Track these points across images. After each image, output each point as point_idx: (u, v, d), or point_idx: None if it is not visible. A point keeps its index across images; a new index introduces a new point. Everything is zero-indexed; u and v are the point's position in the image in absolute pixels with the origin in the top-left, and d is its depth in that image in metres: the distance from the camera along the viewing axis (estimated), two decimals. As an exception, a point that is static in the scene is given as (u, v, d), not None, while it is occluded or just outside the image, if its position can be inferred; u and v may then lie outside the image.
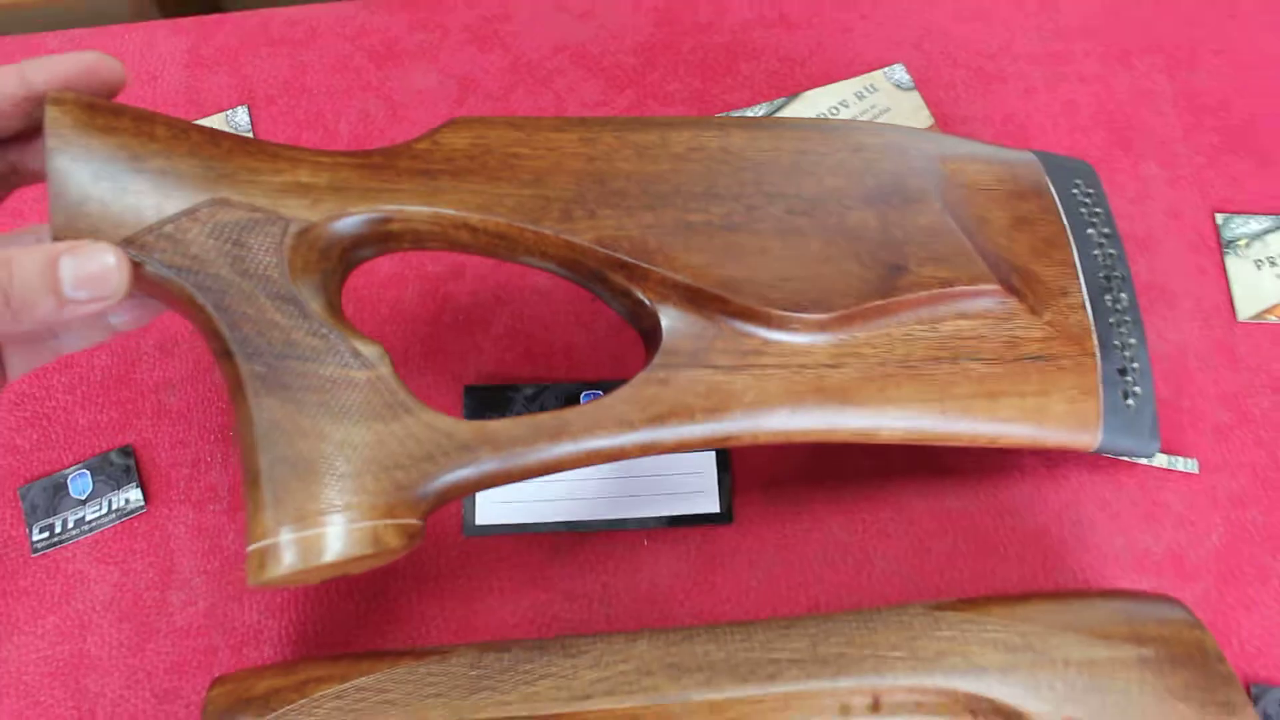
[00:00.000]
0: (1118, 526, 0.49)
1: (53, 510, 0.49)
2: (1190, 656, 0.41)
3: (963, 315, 0.45)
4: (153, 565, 0.48)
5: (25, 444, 0.51)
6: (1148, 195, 0.56)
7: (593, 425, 0.40)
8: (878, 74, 0.58)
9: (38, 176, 0.38)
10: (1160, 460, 0.50)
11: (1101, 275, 0.48)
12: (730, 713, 0.40)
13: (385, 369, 0.38)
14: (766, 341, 0.42)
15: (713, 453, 0.50)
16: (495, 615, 0.47)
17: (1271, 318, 0.53)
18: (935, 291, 0.44)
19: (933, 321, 0.44)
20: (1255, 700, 0.45)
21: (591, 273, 0.42)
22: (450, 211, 0.40)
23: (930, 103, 0.58)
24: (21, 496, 0.50)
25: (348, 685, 0.40)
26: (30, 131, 0.37)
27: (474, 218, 0.40)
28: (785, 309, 0.42)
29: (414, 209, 0.39)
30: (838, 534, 0.49)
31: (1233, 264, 0.54)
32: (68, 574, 0.48)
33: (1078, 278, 0.48)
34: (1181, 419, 0.51)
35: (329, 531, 0.36)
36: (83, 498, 0.50)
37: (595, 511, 0.49)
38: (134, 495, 0.50)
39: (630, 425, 0.40)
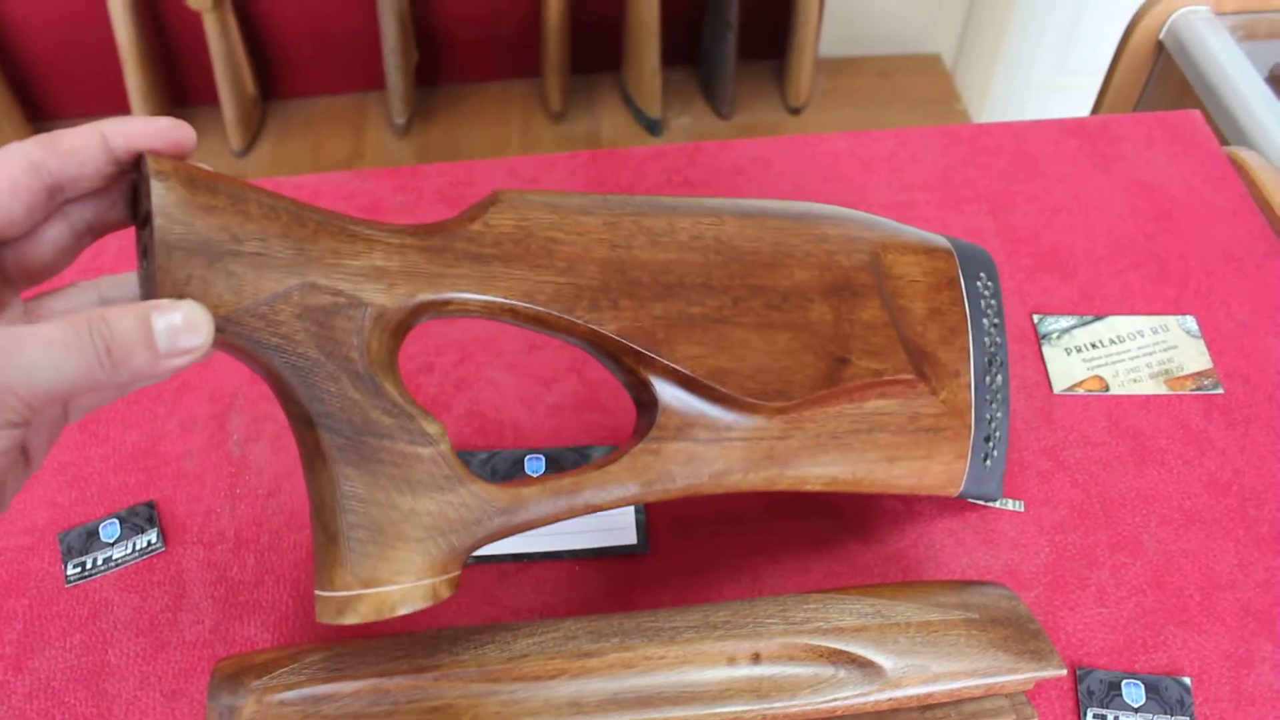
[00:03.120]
0: (963, 550, 0.60)
1: (85, 551, 0.60)
2: (1007, 618, 0.52)
3: (882, 396, 0.53)
4: (168, 593, 0.58)
5: (65, 501, 0.62)
6: (979, 303, 0.70)
7: (599, 488, 0.47)
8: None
9: (111, 228, 0.41)
10: (993, 502, 0.61)
11: (986, 359, 0.56)
12: (638, 666, 0.49)
13: (445, 445, 0.43)
14: (737, 420, 0.49)
15: (632, 496, 0.61)
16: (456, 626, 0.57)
17: (1080, 390, 0.66)
18: (868, 381, 0.52)
19: (860, 401, 0.52)
20: (1080, 680, 0.55)
21: (608, 354, 0.48)
22: (499, 300, 0.44)
23: (806, 236, 0.73)
24: (60, 540, 0.60)
25: (331, 651, 0.50)
26: (106, 188, 0.39)
27: (519, 305, 0.44)
28: (757, 398, 0.49)
29: (470, 296, 0.43)
30: (735, 560, 0.59)
31: (1048, 351, 0.68)
32: (95, 601, 0.58)
33: (969, 361, 0.56)
34: (1012, 468, 0.63)
35: (398, 589, 0.42)
36: (111, 541, 0.60)
37: (536, 544, 0.59)
38: (154, 538, 0.60)
39: (625, 487, 0.47)
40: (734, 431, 0.49)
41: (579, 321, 0.46)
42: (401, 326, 0.42)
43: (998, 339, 0.57)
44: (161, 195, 0.36)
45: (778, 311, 0.50)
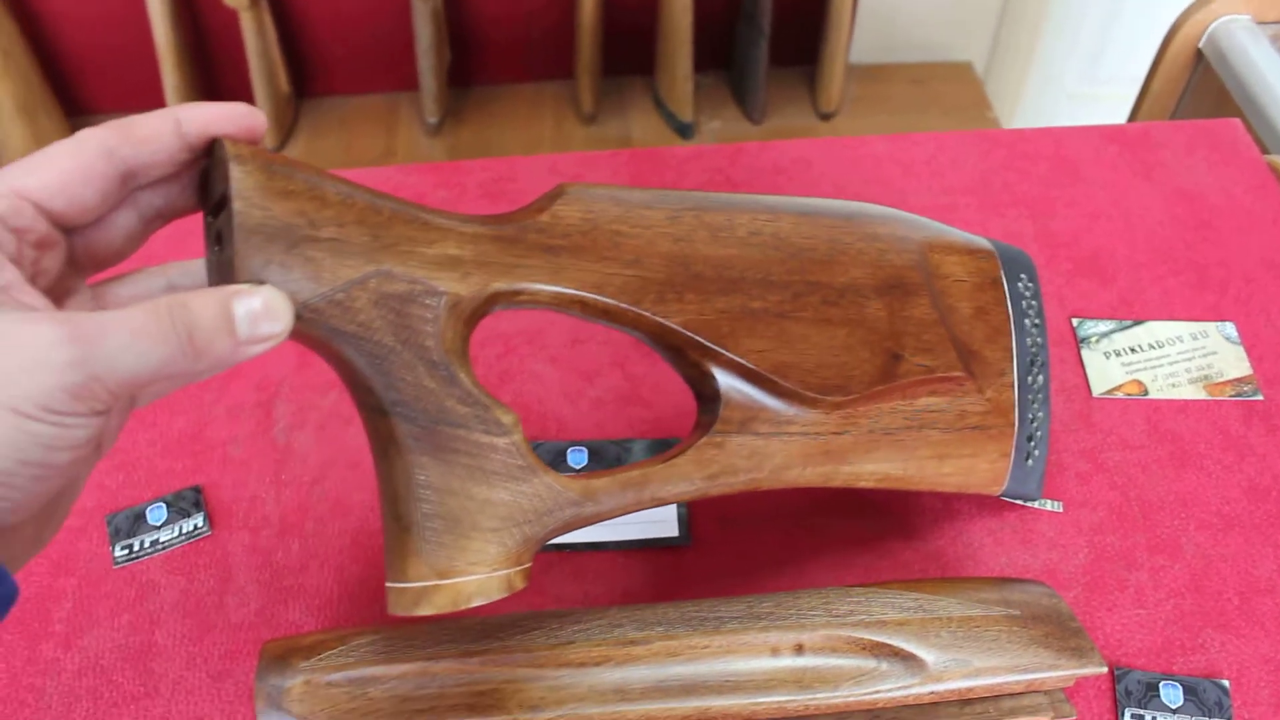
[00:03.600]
0: (1001, 549, 0.60)
1: (133, 533, 0.60)
2: (1048, 615, 0.52)
3: (933, 393, 0.53)
4: (214, 576, 0.59)
5: (113, 484, 0.63)
6: (1019, 305, 0.70)
7: (664, 481, 0.47)
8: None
9: (180, 214, 0.40)
10: (1033, 502, 0.62)
11: (1029, 360, 0.57)
12: (683, 655, 0.50)
13: (519, 435, 0.43)
14: (797, 414, 0.49)
15: (673, 489, 0.62)
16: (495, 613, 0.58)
17: (1119, 394, 0.66)
18: (921, 377, 0.52)
19: (911, 399, 0.52)
20: (1118, 680, 0.55)
21: (672, 347, 0.48)
22: (570, 291, 0.44)
23: (846, 237, 0.74)
24: (108, 522, 0.61)
25: (379, 635, 0.50)
26: (177, 174, 0.39)
27: (589, 297, 0.44)
28: (818, 393, 0.49)
29: (541, 287, 0.43)
30: (777, 554, 0.60)
31: (1087, 355, 0.68)
32: (142, 582, 0.59)
33: (1012, 361, 0.56)
34: (1050, 470, 0.63)
35: (475, 580, 0.41)
36: (158, 524, 0.61)
37: (580, 535, 0.60)
38: (200, 522, 0.61)
39: (691, 481, 0.47)
40: (794, 426, 0.49)
41: (646, 314, 0.46)
42: (475, 315, 0.42)
43: (1039, 339, 0.58)
44: (240, 179, 0.36)
45: (835, 307, 0.50)
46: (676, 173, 0.78)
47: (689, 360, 0.48)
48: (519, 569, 0.43)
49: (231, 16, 1.49)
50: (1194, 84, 0.95)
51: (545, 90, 1.69)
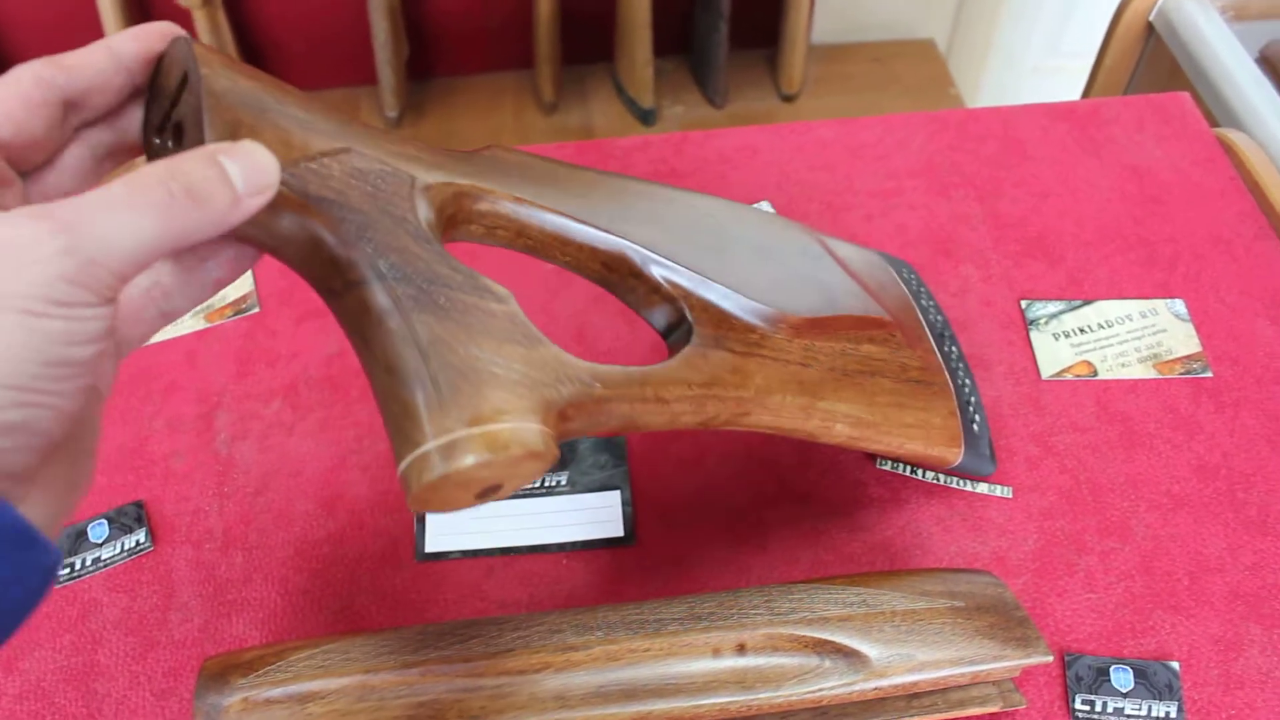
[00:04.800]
0: (950, 537, 0.60)
1: (74, 551, 0.60)
2: (993, 606, 0.52)
3: (872, 340, 0.56)
4: (156, 592, 0.58)
5: (54, 502, 0.62)
6: (967, 289, 0.70)
7: (663, 382, 0.45)
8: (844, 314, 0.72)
9: (133, 152, 0.39)
10: (982, 487, 0.61)
11: (938, 332, 0.61)
12: (623, 659, 0.49)
13: (516, 306, 0.40)
14: (764, 336, 0.50)
15: (618, 489, 0.61)
16: (440, 620, 0.57)
17: (1068, 375, 0.66)
18: (859, 315, 0.56)
19: (856, 342, 0.54)
20: (1068, 666, 0.55)
21: (630, 270, 0.48)
22: (533, 198, 0.44)
23: (792, 225, 0.73)
24: (49, 542, 0.60)
25: (317, 649, 0.50)
26: (126, 103, 0.38)
27: (548, 210, 0.45)
28: (776, 306, 0.51)
29: (502, 193, 0.43)
30: (721, 551, 0.59)
31: (1035, 336, 0.67)
32: (84, 601, 0.58)
33: (925, 329, 0.61)
34: (1000, 455, 0.63)
35: (508, 427, 0.37)
36: (100, 541, 0.60)
37: (523, 538, 0.60)
38: (142, 538, 0.60)
39: (688, 386, 0.45)
40: (764, 349, 0.50)
41: (602, 227, 0.46)
42: (444, 216, 0.41)
43: (939, 317, 0.63)
44: (204, 53, 0.35)
45: (766, 255, 0.54)
46: (621, 164, 0.77)
47: (651, 283, 0.48)
48: (549, 430, 0.38)
49: (185, 16, 1.47)
50: (1146, 58, 0.95)
51: (505, 80, 1.67)
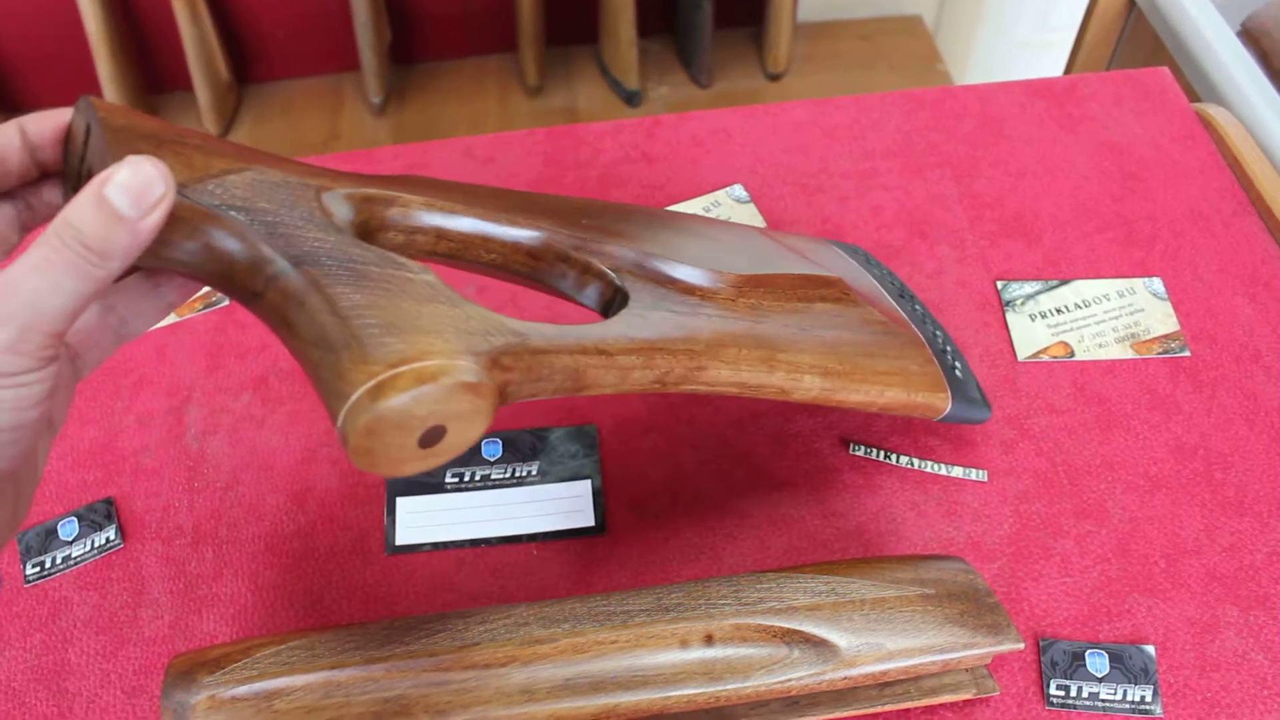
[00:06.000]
0: (925, 522, 0.59)
1: (44, 550, 0.59)
2: (964, 592, 0.51)
3: (824, 299, 0.55)
4: (127, 589, 0.58)
5: (23, 500, 0.61)
6: (942, 271, 0.69)
7: (605, 335, 0.44)
8: (720, 192, 0.73)
9: (47, 217, 0.40)
10: (957, 471, 0.61)
11: (896, 292, 0.61)
12: (590, 651, 0.49)
13: (436, 277, 0.40)
14: (704, 296, 0.50)
15: (589, 479, 0.61)
16: (411, 613, 0.57)
17: (1044, 357, 0.65)
18: (800, 273, 0.55)
19: (806, 301, 0.54)
20: (1043, 651, 0.55)
21: (557, 255, 0.47)
22: (444, 203, 0.44)
23: (764, 211, 0.72)
24: (18, 541, 0.60)
25: (283, 646, 0.49)
26: (37, 180, 0.39)
27: (462, 211, 0.45)
28: (712, 269, 0.51)
29: (414, 200, 0.44)
30: (693, 539, 0.59)
31: (1012, 318, 0.67)
32: (54, 600, 0.58)
33: (882, 290, 0.60)
34: (974, 438, 0.62)
35: (435, 363, 0.36)
36: (69, 539, 0.60)
37: (494, 529, 0.59)
38: (113, 535, 0.60)
39: (632, 340, 0.44)
40: (707, 306, 0.49)
41: (520, 219, 0.46)
42: (357, 222, 0.42)
43: (895, 283, 0.63)
44: (103, 103, 0.37)
45: (697, 234, 0.54)
46: (592, 149, 0.76)
47: (580, 264, 0.48)
48: (484, 371, 0.38)
49: (165, 4, 1.45)
50: (1128, 33, 0.94)
51: (489, 64, 1.66)
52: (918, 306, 0.62)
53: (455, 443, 0.38)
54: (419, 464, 0.38)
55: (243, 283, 0.38)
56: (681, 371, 0.46)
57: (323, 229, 0.39)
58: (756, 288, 0.52)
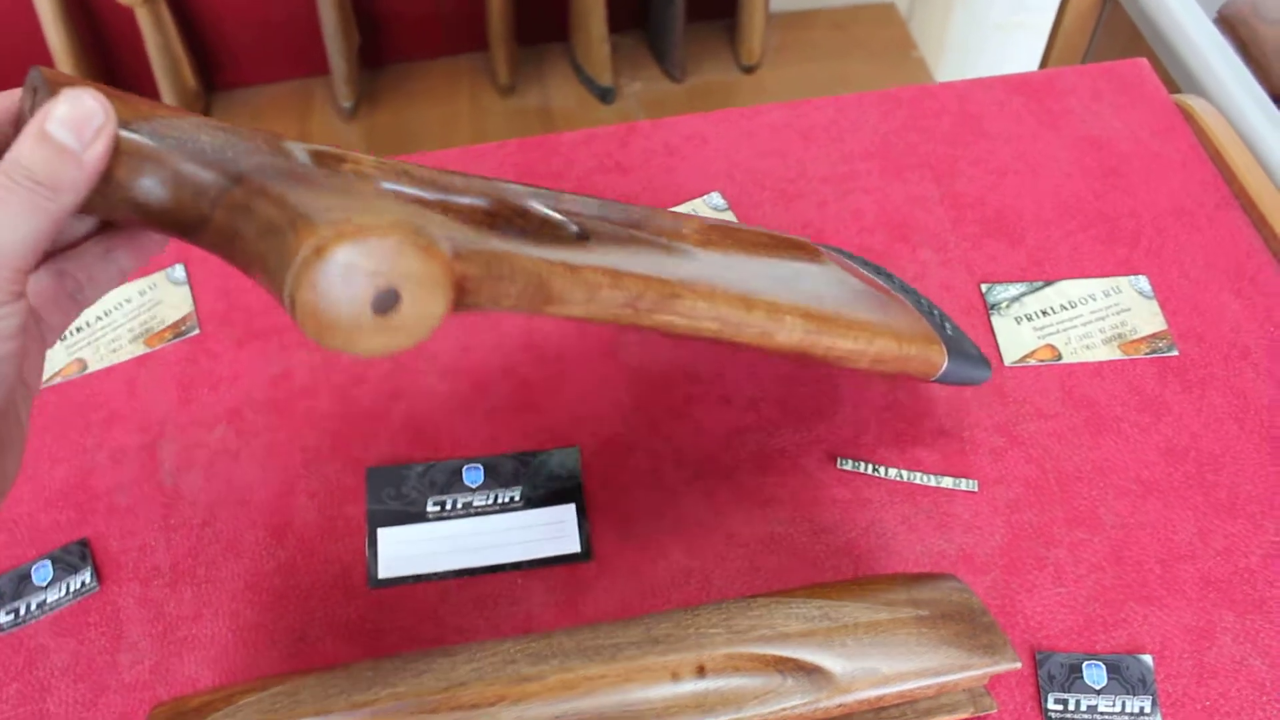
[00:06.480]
0: (916, 536, 0.58)
1: (18, 596, 0.58)
2: (959, 613, 0.51)
3: (795, 260, 0.55)
4: (105, 634, 0.56)
5: (-6, 545, 0.60)
6: (925, 275, 0.68)
7: (569, 254, 0.43)
8: (698, 200, 0.71)
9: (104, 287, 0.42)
10: (946, 482, 0.60)
11: (870, 267, 0.61)
12: (580, 688, 0.48)
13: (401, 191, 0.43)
14: (672, 240, 0.50)
15: (573, 504, 0.59)
16: (397, 650, 0.56)
17: (1032, 360, 0.64)
18: (767, 231, 0.55)
19: (776, 257, 0.54)
20: (1040, 665, 0.54)
21: (514, 210, 0.47)
22: (393, 162, 0.45)
23: (742, 219, 0.71)
24: (-10, 587, 0.58)
25: (266, 693, 0.48)
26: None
27: (411, 172, 0.45)
28: (673, 215, 0.53)
29: (364, 156, 0.44)
30: (681, 561, 0.58)
31: (997, 321, 0.66)
32: (30, 648, 0.56)
33: (854, 264, 0.60)
34: (963, 447, 0.61)
35: (381, 220, 0.34)
36: (44, 584, 0.58)
37: (477, 558, 0.58)
38: (88, 578, 0.58)
39: (600, 263, 0.43)
40: (674, 251, 0.49)
41: (478, 184, 0.47)
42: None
43: (868, 266, 0.62)
44: (53, 70, 0.37)
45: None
46: (565, 159, 0.74)
47: (537, 217, 0.47)
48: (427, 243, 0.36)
49: (128, 13, 1.43)
50: (1104, 22, 0.93)
51: (460, 64, 1.64)
52: (896, 280, 0.61)
53: (413, 315, 0.35)
54: (376, 337, 0.35)
55: (190, 212, 0.37)
56: (654, 298, 0.44)
57: (273, 155, 0.39)
58: (724, 238, 0.52)
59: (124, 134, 0.36)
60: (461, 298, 0.37)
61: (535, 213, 0.47)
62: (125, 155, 0.36)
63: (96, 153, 0.35)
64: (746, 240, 0.54)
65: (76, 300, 0.41)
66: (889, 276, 0.62)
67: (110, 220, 0.41)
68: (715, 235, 0.52)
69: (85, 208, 0.36)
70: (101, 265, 0.41)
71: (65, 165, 0.34)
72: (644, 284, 0.43)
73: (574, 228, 0.47)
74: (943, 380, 0.55)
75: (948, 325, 0.58)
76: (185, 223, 0.38)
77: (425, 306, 0.35)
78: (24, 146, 0.34)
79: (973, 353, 0.58)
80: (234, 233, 0.37)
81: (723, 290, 0.46)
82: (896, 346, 0.52)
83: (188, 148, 0.37)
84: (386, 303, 0.35)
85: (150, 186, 0.37)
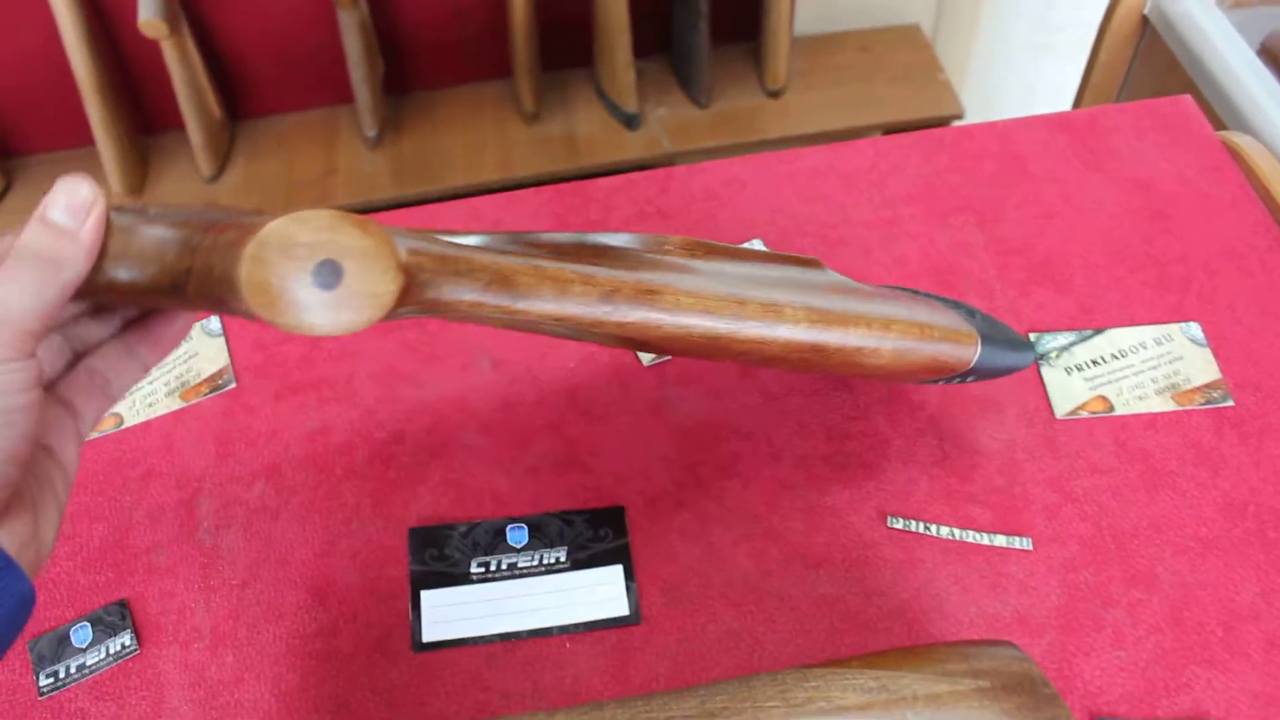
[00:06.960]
0: (969, 597, 0.57)
1: (57, 659, 0.57)
2: (1020, 684, 0.49)
3: (795, 265, 0.55)
4: (146, 699, 0.56)
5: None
6: (972, 324, 0.67)
7: (537, 260, 0.43)
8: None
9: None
10: (1000, 540, 0.59)
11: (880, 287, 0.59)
12: (634, 762, 0.47)
13: None
14: (653, 253, 0.50)
15: (620, 565, 0.58)
16: (442, 717, 0.55)
17: (1084, 413, 0.63)
18: (758, 250, 0.54)
19: (770, 265, 0.53)
20: (1099, 733, 0.53)
21: (495, 253, 0.46)
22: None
23: (787, 265, 0.70)
24: (30, 649, 0.57)
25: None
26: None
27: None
28: (656, 238, 0.51)
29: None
30: (730, 624, 0.57)
31: (1047, 373, 0.65)
32: (70, 712, 0.55)
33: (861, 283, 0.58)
34: (1015, 504, 0.60)
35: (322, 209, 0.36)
36: (84, 646, 0.57)
37: (524, 622, 0.57)
38: (128, 640, 0.57)
39: (571, 267, 0.43)
40: (658, 265, 0.48)
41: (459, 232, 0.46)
42: None
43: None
44: None
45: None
46: (603, 207, 0.74)
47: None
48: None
49: (154, 45, 1.43)
50: (1141, 53, 0.91)
51: (484, 91, 1.63)
52: (905, 291, 0.59)
53: (359, 290, 0.36)
54: (325, 313, 0.35)
55: (173, 272, 0.39)
56: (630, 292, 0.43)
57: (252, 213, 0.39)
58: (710, 252, 0.51)
59: (113, 214, 0.40)
60: (419, 291, 0.38)
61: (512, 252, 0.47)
62: (115, 230, 0.40)
63: (91, 227, 0.39)
64: (737, 253, 0.52)
65: (106, 394, 0.46)
66: (900, 289, 0.61)
67: (119, 302, 0.45)
68: (699, 247, 0.51)
69: (92, 291, 0.40)
70: (125, 362, 0.46)
71: (65, 244, 0.39)
72: (619, 281, 0.43)
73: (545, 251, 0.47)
74: (980, 370, 0.53)
75: (976, 315, 0.56)
76: (173, 286, 0.39)
77: (370, 283, 0.36)
78: (30, 233, 0.39)
79: (1009, 335, 0.56)
80: (208, 269, 0.37)
81: (710, 290, 0.45)
82: (919, 337, 0.50)
83: (174, 215, 0.40)
84: (329, 275, 0.35)
85: (140, 260, 0.40)
